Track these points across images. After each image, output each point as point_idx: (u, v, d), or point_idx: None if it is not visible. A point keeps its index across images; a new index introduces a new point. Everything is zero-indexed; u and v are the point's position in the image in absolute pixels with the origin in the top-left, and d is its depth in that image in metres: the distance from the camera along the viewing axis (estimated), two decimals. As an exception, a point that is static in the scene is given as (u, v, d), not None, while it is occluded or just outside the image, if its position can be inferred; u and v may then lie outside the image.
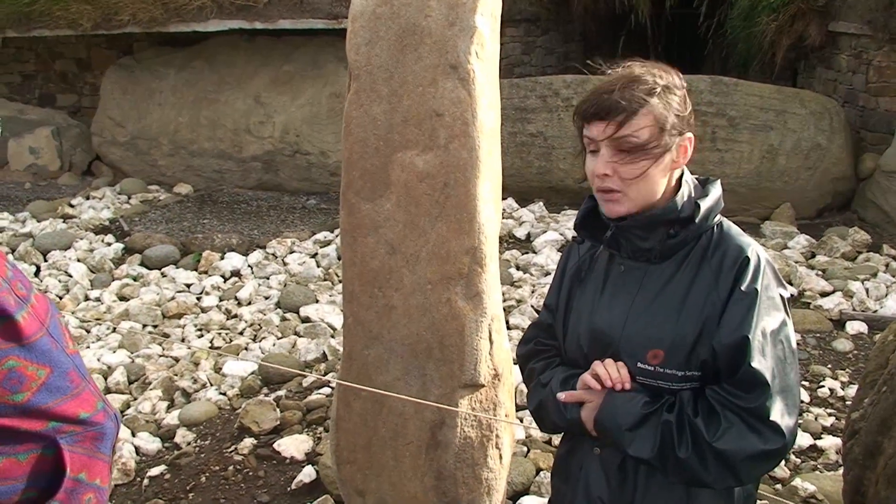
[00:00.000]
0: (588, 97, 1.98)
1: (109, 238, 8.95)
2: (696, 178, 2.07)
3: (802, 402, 5.11)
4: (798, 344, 2.71)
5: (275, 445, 4.64)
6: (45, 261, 8.24)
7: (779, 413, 1.88)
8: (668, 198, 1.98)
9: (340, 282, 6.07)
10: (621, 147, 1.91)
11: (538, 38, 11.65)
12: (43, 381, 1.80)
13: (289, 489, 4.32)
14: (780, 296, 1.97)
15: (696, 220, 1.96)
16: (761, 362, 1.88)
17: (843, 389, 5.25)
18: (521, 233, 8.51)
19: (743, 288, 1.91)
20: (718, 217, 2.03)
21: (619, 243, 2.04)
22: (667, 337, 1.97)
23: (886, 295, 6.64)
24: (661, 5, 10.95)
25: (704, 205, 1.98)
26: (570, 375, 2.16)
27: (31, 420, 1.79)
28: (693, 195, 2.01)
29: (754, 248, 1.98)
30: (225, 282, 7.66)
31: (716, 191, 2.04)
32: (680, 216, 1.97)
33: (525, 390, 4.91)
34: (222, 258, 8.09)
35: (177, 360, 6.01)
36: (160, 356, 6.08)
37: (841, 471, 3.19)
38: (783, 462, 4.21)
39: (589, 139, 2.00)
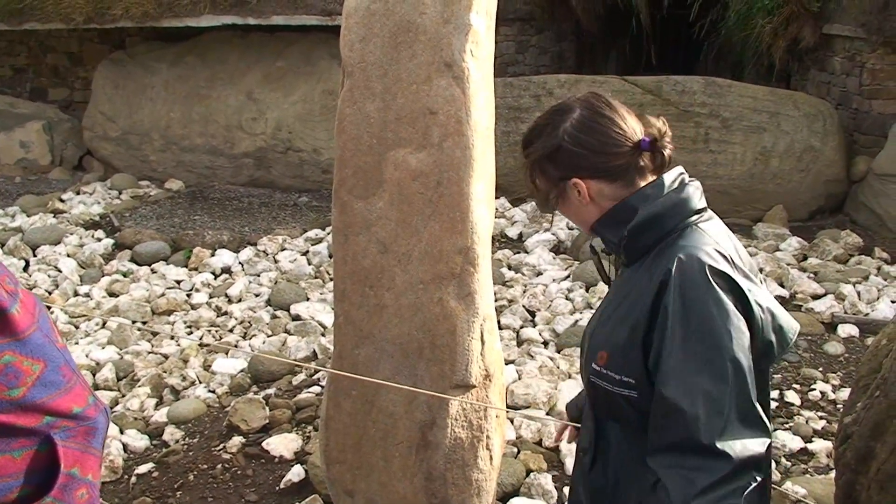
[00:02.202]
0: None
1: (100, 233, 8.93)
2: (683, 178, 2.06)
3: (792, 404, 5.11)
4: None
5: (264, 444, 4.61)
6: (35, 256, 8.20)
7: (713, 434, 1.76)
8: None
9: (332, 280, 6.07)
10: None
11: (532, 37, 11.64)
12: (37, 375, 1.79)
13: (277, 488, 4.29)
14: (715, 304, 1.83)
15: (630, 225, 1.98)
16: (676, 388, 1.80)
17: (834, 393, 5.24)
18: (513, 232, 8.50)
19: (662, 305, 1.87)
20: (692, 219, 1.99)
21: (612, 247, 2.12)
22: (608, 339, 2.01)
23: (878, 298, 6.64)
24: (656, 6, 10.95)
25: (647, 210, 1.97)
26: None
27: (26, 415, 1.77)
28: (656, 198, 1.99)
29: (689, 259, 1.88)
30: (215, 279, 7.64)
31: (675, 195, 2.00)
32: (627, 217, 2.00)
33: (515, 391, 4.92)
34: (213, 255, 8.06)
35: (166, 356, 5.99)
36: (149, 353, 6.05)
37: (832, 474, 3.18)
38: (774, 465, 4.20)
39: None
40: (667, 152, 2.03)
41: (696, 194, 2.02)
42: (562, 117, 2.04)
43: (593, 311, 2.32)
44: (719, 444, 1.75)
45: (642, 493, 1.95)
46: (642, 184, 2.02)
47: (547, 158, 2.05)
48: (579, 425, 2.54)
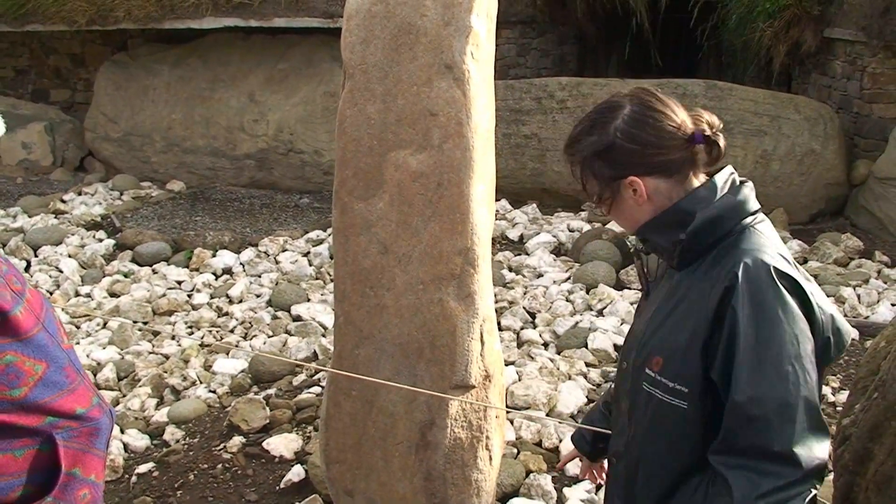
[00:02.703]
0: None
1: (101, 234, 8.94)
2: (735, 179, 2.01)
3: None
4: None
5: (264, 444, 4.62)
6: (36, 256, 8.22)
7: (785, 441, 1.76)
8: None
9: (332, 281, 6.07)
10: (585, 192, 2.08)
11: (533, 40, 11.65)
12: (40, 376, 1.80)
13: (277, 488, 4.30)
14: (782, 307, 1.81)
15: (689, 229, 1.91)
16: (748, 394, 1.77)
17: (833, 395, 5.25)
18: (514, 234, 8.51)
19: (730, 309, 1.82)
20: (748, 221, 1.94)
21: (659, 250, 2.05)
22: (663, 344, 1.96)
23: (878, 301, 6.65)
24: (657, 9, 10.96)
25: (705, 213, 1.91)
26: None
27: (28, 415, 1.78)
28: (711, 200, 1.94)
29: (755, 262, 1.85)
30: (216, 279, 7.65)
31: (732, 197, 1.95)
32: (682, 221, 1.93)
33: (515, 392, 4.93)
34: (214, 256, 8.07)
35: (167, 357, 6.00)
36: (150, 353, 6.06)
37: (830, 476, 3.19)
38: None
39: None
40: (721, 144, 1.98)
41: (751, 195, 1.98)
42: (612, 114, 1.98)
43: (634, 316, 2.26)
44: (790, 451, 1.75)
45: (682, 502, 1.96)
46: (696, 181, 1.98)
47: (598, 157, 1.99)
48: (587, 459, 2.64)
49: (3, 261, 1.84)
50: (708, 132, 1.96)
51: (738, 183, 1.99)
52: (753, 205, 1.96)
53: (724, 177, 1.99)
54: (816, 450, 1.77)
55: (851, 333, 1.98)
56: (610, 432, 2.47)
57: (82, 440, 1.88)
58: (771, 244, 1.91)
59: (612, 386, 2.51)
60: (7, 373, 1.75)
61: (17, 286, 1.82)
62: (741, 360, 1.79)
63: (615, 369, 5.50)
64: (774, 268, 1.84)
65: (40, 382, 1.79)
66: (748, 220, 1.94)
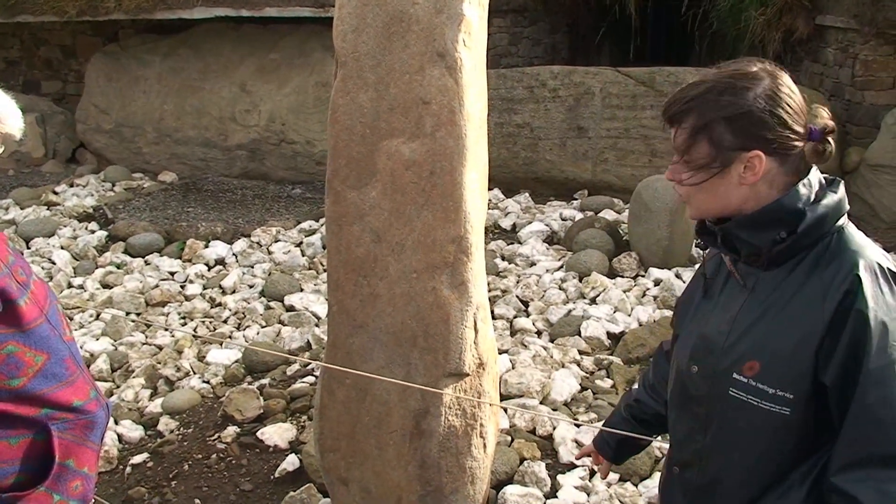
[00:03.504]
0: (672, 95, 1.94)
1: (93, 226, 8.92)
2: (823, 178, 1.91)
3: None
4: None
5: (258, 434, 4.63)
6: (29, 248, 8.20)
7: None
8: (767, 201, 1.86)
9: (325, 270, 6.07)
10: (682, 158, 1.90)
11: (525, 29, 11.64)
12: (40, 367, 1.81)
13: (272, 477, 4.31)
14: None
15: (800, 229, 1.82)
16: (877, 396, 1.72)
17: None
18: (506, 223, 8.51)
19: (854, 311, 1.74)
20: (842, 221, 1.87)
21: (736, 247, 1.93)
22: (764, 347, 1.86)
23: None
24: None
25: (813, 211, 1.82)
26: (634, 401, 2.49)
27: (25, 405, 1.79)
28: (810, 198, 1.84)
29: (870, 262, 1.80)
30: (209, 270, 7.65)
31: (835, 194, 1.86)
32: (784, 219, 1.84)
33: (508, 380, 4.94)
34: (206, 246, 8.07)
35: (160, 348, 6.00)
36: (143, 344, 6.06)
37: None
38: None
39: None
40: (830, 148, 1.87)
41: (844, 193, 1.91)
42: (750, 82, 1.83)
43: (690, 316, 2.12)
44: None
45: None
46: (795, 178, 1.86)
47: (727, 122, 1.82)
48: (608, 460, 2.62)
49: (10, 251, 1.84)
50: (827, 130, 1.86)
51: (826, 181, 1.91)
52: (846, 203, 1.89)
53: (817, 174, 1.90)
54: None
55: None
56: (637, 436, 2.46)
57: (77, 432, 1.89)
58: (869, 242, 1.87)
59: (644, 388, 2.48)
60: (7, 363, 1.75)
61: (23, 277, 1.82)
62: (871, 363, 1.73)
63: (605, 357, 5.51)
64: (888, 268, 1.81)
65: (40, 373, 1.80)
66: (844, 218, 1.88)
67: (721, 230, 1.92)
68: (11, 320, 1.76)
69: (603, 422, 2.60)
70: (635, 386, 2.55)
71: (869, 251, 1.82)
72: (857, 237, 1.85)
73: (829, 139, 1.85)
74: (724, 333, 1.94)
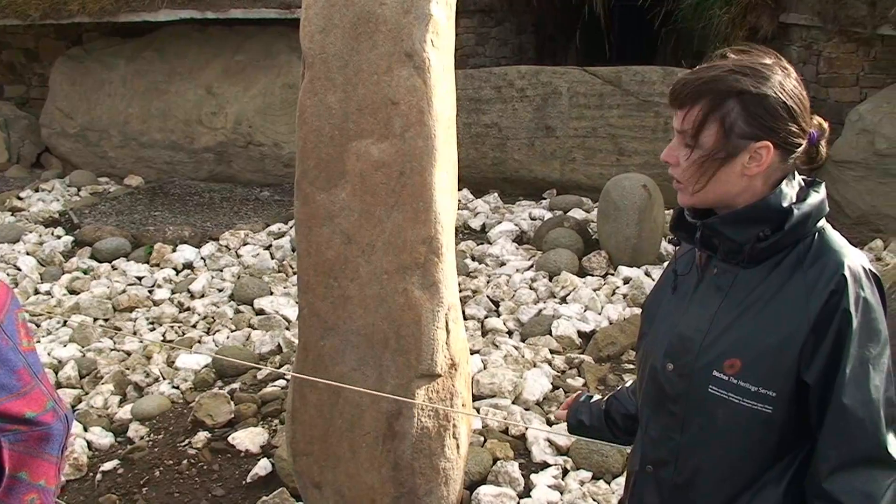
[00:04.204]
0: (676, 78, 1.93)
1: (59, 231, 8.84)
2: (803, 179, 1.91)
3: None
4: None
5: (229, 439, 4.60)
6: (-7, 254, 8.11)
7: (890, 441, 1.74)
8: (759, 196, 1.84)
9: (295, 273, 6.04)
10: (685, 140, 1.87)
11: (492, 29, 11.64)
12: None
13: (244, 482, 4.28)
14: (881, 310, 1.80)
15: (786, 227, 1.81)
16: (854, 396, 1.73)
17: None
18: (476, 224, 8.51)
19: (840, 311, 1.75)
20: (823, 222, 1.87)
21: (713, 244, 1.91)
22: (746, 345, 1.85)
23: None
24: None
25: (799, 210, 1.82)
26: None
27: None
28: (793, 197, 1.84)
29: (853, 263, 1.80)
30: (177, 274, 7.59)
31: (817, 195, 1.86)
32: (770, 216, 1.82)
33: (480, 380, 4.94)
34: (174, 251, 8.01)
35: (129, 353, 5.94)
36: (112, 350, 6.01)
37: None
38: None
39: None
40: (822, 152, 1.88)
41: (826, 194, 1.90)
42: (768, 70, 1.80)
43: (661, 314, 2.09)
44: (893, 452, 1.73)
45: None
46: (783, 177, 1.85)
47: (743, 107, 1.78)
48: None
49: None
50: (824, 134, 1.88)
51: (806, 181, 1.91)
52: (826, 203, 1.89)
53: (797, 174, 1.90)
54: None
55: None
56: (596, 440, 2.46)
57: (31, 444, 1.86)
58: (847, 243, 1.88)
59: (627, 389, 2.44)
60: None
61: None
62: (853, 364, 1.74)
63: (576, 356, 5.53)
64: (868, 268, 1.82)
65: None
66: (823, 219, 1.88)
67: (703, 225, 1.91)
68: None
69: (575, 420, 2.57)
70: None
71: (851, 252, 1.83)
72: (838, 238, 1.86)
73: (823, 144, 1.87)
74: (703, 331, 1.93)
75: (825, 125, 1.88)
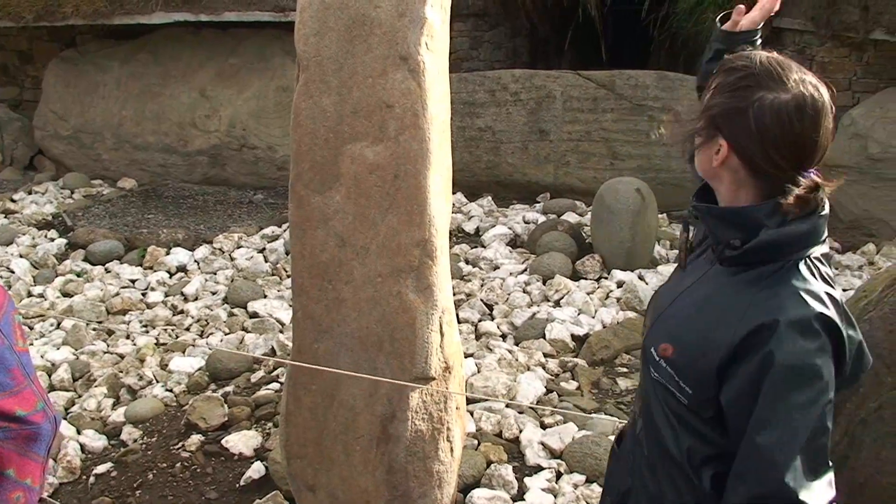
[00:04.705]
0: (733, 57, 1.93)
1: (52, 233, 8.81)
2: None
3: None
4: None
5: (223, 442, 4.59)
6: (-14, 256, 8.09)
7: (801, 487, 1.68)
8: (748, 202, 1.83)
9: (289, 276, 6.04)
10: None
11: (486, 33, 11.65)
12: None
13: (238, 485, 4.28)
14: (815, 359, 1.72)
15: (749, 244, 1.79)
16: (771, 437, 1.70)
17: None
18: (470, 227, 8.52)
19: (765, 351, 1.71)
20: (802, 254, 1.80)
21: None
22: (680, 336, 1.88)
23: (830, 287, 6.73)
24: (605, 1, 11.00)
25: (768, 234, 1.78)
26: None
27: None
28: (775, 219, 1.78)
29: (800, 312, 1.73)
30: (171, 277, 7.58)
31: (802, 225, 1.79)
32: (742, 225, 1.81)
33: (474, 384, 4.94)
34: (168, 253, 7.99)
35: (122, 356, 5.93)
36: (105, 353, 6.00)
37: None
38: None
39: None
40: (823, 198, 1.82)
41: (821, 226, 1.84)
42: (775, 84, 1.79)
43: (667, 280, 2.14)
44: (805, 499, 1.68)
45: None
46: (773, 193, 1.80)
47: (725, 104, 1.81)
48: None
49: None
50: (819, 186, 1.81)
51: (814, 206, 1.82)
52: (818, 237, 1.83)
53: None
54: (827, 495, 1.72)
55: (870, 362, 1.92)
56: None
57: (19, 442, 1.87)
58: (820, 283, 1.80)
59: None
60: None
61: None
62: (771, 404, 1.70)
63: (570, 360, 5.54)
64: (818, 314, 1.74)
65: None
66: (810, 250, 1.82)
67: (695, 207, 1.94)
68: None
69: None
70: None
71: (808, 294, 1.76)
72: (808, 275, 1.79)
73: (820, 191, 1.81)
74: (663, 307, 1.99)
75: (820, 181, 1.81)
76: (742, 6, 2.27)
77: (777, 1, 2.33)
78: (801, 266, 1.79)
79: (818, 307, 1.74)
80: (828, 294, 1.78)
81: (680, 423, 1.90)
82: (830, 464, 1.74)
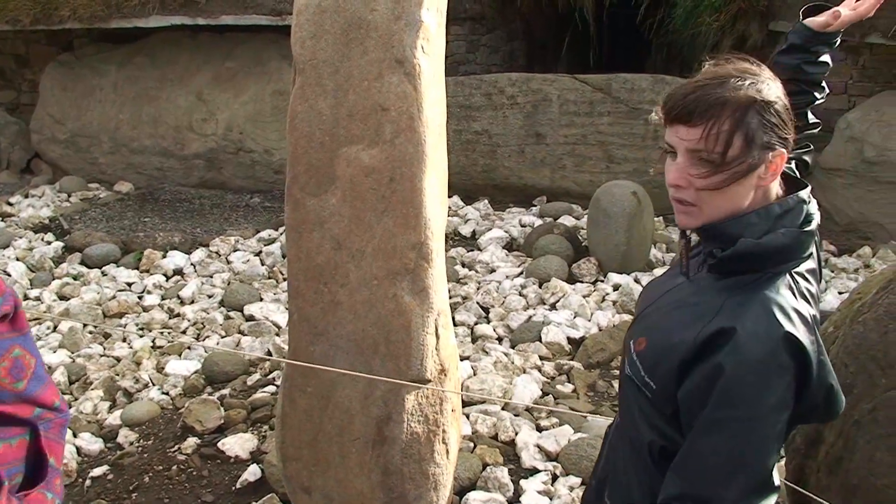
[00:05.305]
0: (673, 93, 1.78)
1: (49, 237, 8.81)
2: (796, 215, 1.81)
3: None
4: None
5: (219, 444, 4.59)
6: (-17, 260, 8.09)
7: (730, 499, 1.66)
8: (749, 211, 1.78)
9: (285, 279, 6.05)
10: (701, 157, 1.73)
11: (483, 37, 11.67)
12: (33, 369, 1.88)
13: (234, 488, 4.28)
14: (780, 373, 1.67)
15: (723, 254, 1.77)
16: (710, 443, 1.68)
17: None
18: (466, 230, 8.52)
19: (712, 357, 1.69)
20: (790, 266, 1.78)
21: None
22: (654, 331, 1.88)
23: (825, 290, 6.75)
24: (603, 5, 11.02)
25: (742, 245, 1.74)
26: None
27: (24, 407, 1.86)
28: (755, 230, 1.76)
29: (758, 320, 1.69)
30: (167, 280, 7.58)
31: (776, 239, 1.75)
32: (721, 236, 1.79)
33: (470, 386, 4.95)
34: (164, 257, 7.99)
35: (118, 359, 5.94)
36: (101, 356, 6.00)
37: (782, 461, 3.24)
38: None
39: (669, 143, 1.79)
40: (812, 213, 1.84)
41: (806, 241, 1.81)
42: (769, 77, 1.76)
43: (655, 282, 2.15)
44: None
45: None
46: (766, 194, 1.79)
47: (760, 116, 1.71)
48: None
49: None
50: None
51: (802, 219, 1.81)
52: (801, 251, 1.80)
53: (790, 205, 1.81)
54: None
55: (843, 405, 1.83)
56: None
57: (56, 431, 1.95)
58: (793, 300, 1.74)
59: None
60: (15, 366, 1.82)
61: (6, 287, 1.86)
62: (715, 414, 1.68)
63: (566, 363, 5.55)
64: (786, 334, 1.68)
65: (33, 376, 1.88)
66: (791, 264, 1.79)
67: (703, 230, 1.85)
68: (17, 325, 1.82)
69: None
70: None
71: (777, 309, 1.71)
72: (783, 289, 1.75)
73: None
74: (648, 303, 2.01)
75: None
76: (838, 8, 2.23)
77: (874, 7, 2.26)
78: (780, 279, 1.76)
79: (785, 324, 1.69)
80: (798, 312, 1.73)
81: (645, 418, 1.90)
82: (777, 484, 1.71)
